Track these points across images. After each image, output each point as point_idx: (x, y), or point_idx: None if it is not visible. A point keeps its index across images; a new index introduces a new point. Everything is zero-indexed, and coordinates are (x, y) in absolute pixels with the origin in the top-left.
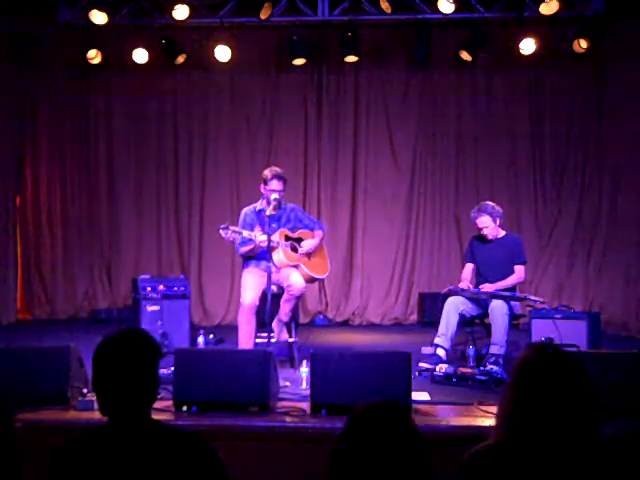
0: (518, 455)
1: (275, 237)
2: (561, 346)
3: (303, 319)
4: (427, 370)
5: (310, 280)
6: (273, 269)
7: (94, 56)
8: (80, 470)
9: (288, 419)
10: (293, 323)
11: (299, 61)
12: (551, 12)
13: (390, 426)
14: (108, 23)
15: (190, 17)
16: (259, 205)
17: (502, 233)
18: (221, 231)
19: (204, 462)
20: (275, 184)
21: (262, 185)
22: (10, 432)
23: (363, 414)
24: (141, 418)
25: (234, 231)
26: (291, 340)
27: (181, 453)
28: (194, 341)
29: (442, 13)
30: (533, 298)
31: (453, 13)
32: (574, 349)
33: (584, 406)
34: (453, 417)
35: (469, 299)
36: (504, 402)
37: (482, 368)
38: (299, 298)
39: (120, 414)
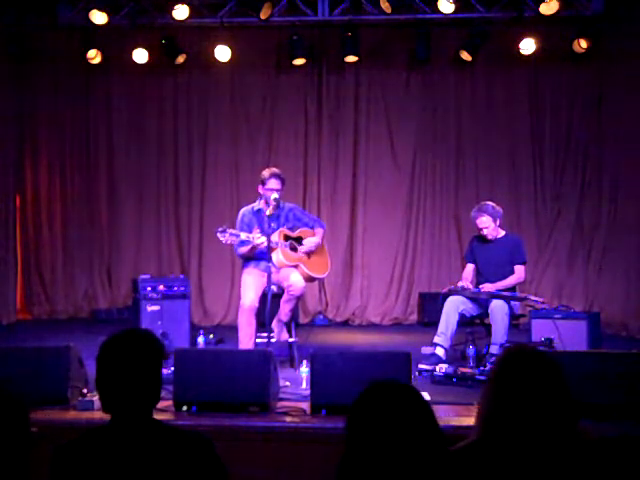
0: (496, 453)
1: (274, 237)
2: (536, 345)
3: (303, 319)
4: (427, 371)
5: (310, 279)
6: (273, 269)
7: (94, 56)
8: (82, 470)
9: (288, 419)
10: (293, 323)
11: (299, 61)
12: (551, 12)
13: (398, 404)
14: (108, 23)
15: (190, 17)
16: (257, 205)
17: (502, 233)
18: (219, 234)
19: (205, 462)
20: (273, 183)
21: (259, 186)
22: (25, 431)
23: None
24: (143, 418)
25: (232, 234)
26: (291, 340)
27: (183, 453)
28: (194, 341)
29: (442, 13)
30: (533, 298)
31: (453, 13)
32: (549, 349)
33: (560, 404)
34: (453, 417)
35: (469, 299)
36: (482, 401)
37: (482, 368)
38: (299, 298)
39: (123, 414)
